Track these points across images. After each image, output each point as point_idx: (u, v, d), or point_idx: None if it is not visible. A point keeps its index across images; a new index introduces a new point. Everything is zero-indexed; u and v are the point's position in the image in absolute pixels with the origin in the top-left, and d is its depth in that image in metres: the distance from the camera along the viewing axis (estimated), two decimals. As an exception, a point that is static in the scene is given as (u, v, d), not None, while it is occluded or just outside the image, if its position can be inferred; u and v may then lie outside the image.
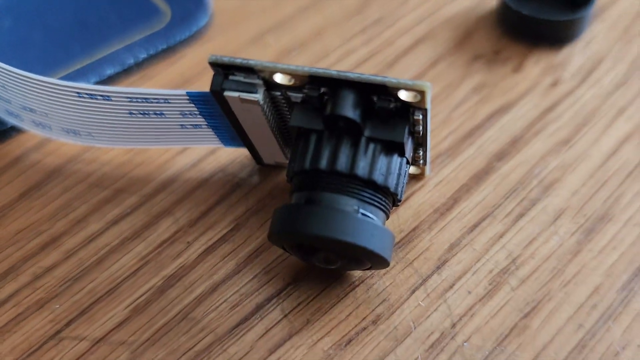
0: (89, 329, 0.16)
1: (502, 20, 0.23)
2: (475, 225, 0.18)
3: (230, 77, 0.15)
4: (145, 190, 0.19)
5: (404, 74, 0.22)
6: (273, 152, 0.18)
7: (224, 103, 0.16)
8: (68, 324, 0.17)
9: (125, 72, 0.22)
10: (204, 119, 0.17)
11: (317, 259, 0.16)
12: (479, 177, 0.19)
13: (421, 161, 0.18)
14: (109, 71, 0.22)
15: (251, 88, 0.15)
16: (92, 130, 0.19)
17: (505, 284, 0.17)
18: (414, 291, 0.17)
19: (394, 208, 0.18)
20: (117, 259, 0.18)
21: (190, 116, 0.17)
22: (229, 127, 0.18)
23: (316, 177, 0.15)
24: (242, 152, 0.20)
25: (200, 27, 0.24)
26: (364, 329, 0.16)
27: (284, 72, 0.15)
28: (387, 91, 0.14)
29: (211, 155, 0.20)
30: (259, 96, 0.15)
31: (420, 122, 0.15)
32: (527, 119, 0.20)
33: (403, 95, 0.14)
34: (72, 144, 0.20)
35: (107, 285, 0.17)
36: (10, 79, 0.18)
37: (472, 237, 0.18)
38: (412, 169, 0.19)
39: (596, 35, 0.23)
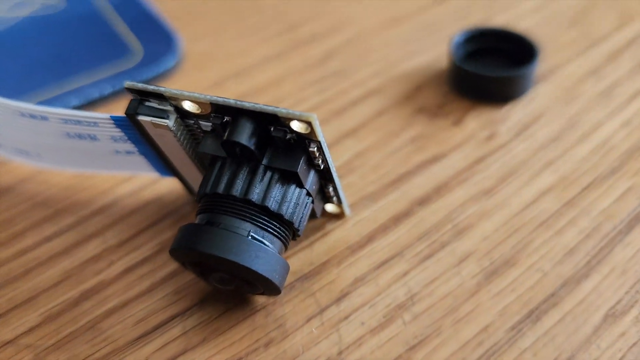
0: (1, 332, 0.17)
1: (450, 77, 0.24)
2: (383, 263, 0.18)
3: (146, 103, 0.17)
4: (83, 212, 0.21)
5: (348, 122, 0.23)
6: (199, 181, 0.19)
7: (140, 127, 0.17)
8: (-16, 326, 0.18)
9: (90, 105, 0.24)
10: (134, 145, 0.19)
11: (213, 278, 0.16)
12: (398, 219, 0.20)
13: (334, 198, 0.19)
14: (74, 102, 0.24)
15: (163, 114, 0.17)
16: (40, 150, 0.20)
17: (398, 318, 0.17)
18: (309, 319, 0.17)
19: (306, 242, 0.18)
20: (43, 272, 0.19)
21: (121, 141, 0.19)
22: (160, 158, 0.19)
23: (216, 201, 0.16)
24: (181, 184, 0.21)
25: (168, 68, 0.26)
26: (255, 350, 0.17)
27: (188, 99, 0.16)
28: (280, 121, 0.16)
29: (152, 185, 0.21)
30: (169, 122, 0.17)
31: (317, 154, 0.16)
32: (455, 168, 0.21)
33: (295, 125, 0.16)
34: (25, 167, 0.22)
35: (28, 293, 0.18)
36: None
37: (378, 274, 0.18)
38: (331, 208, 0.19)
39: (539, 94, 0.24)
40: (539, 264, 0.18)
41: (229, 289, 0.17)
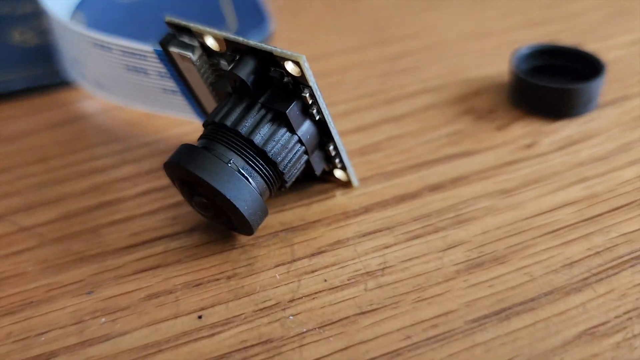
0: (25, 219, 0.20)
1: (509, 87, 0.24)
2: (370, 233, 0.18)
3: (179, 38, 0.18)
4: (132, 142, 0.23)
5: (394, 111, 0.23)
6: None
7: (171, 59, 0.19)
8: (15, 212, 0.20)
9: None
10: (175, 84, 0.21)
11: (195, 201, 0.17)
12: (403, 198, 0.19)
13: (337, 161, 0.19)
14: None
15: (189, 48, 0.18)
16: (111, 84, 0.23)
17: (362, 283, 0.17)
18: (278, 265, 0.17)
19: (307, 201, 0.19)
20: (78, 183, 0.21)
21: (166, 78, 0.21)
22: (191, 94, 0.21)
23: (214, 129, 0.17)
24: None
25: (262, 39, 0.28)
26: (217, 279, 0.17)
27: (208, 34, 0.17)
28: (277, 62, 0.16)
29: (197, 132, 0.23)
30: (193, 56, 0.18)
31: (309, 101, 0.17)
32: (482, 165, 0.20)
33: (289, 67, 0.16)
34: (104, 102, 0.25)
35: (59, 195, 0.21)
36: (64, 32, 0.23)
37: (361, 241, 0.18)
38: (340, 174, 0.20)
39: (601, 116, 0.22)
40: (531, 268, 0.17)
41: (210, 217, 0.18)
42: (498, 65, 0.25)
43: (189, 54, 0.18)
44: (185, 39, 0.18)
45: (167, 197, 0.20)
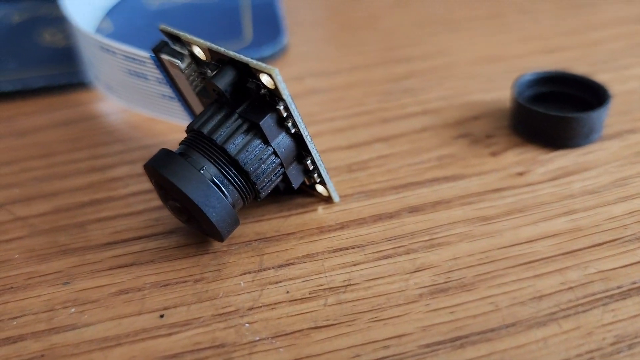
0: (21, 210, 0.21)
1: (510, 113, 0.23)
2: (340, 249, 0.18)
3: (172, 46, 0.19)
4: (132, 144, 0.24)
5: (389, 130, 0.23)
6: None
7: (163, 65, 0.19)
8: (13, 202, 0.21)
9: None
10: (171, 90, 0.21)
11: (170, 205, 0.18)
12: (380, 218, 0.19)
13: (315, 175, 0.19)
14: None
15: (179, 56, 0.19)
16: (119, 87, 0.24)
17: (322, 298, 0.17)
18: (245, 273, 0.18)
19: (285, 213, 0.19)
20: (75, 179, 0.22)
21: (163, 84, 0.22)
22: (184, 101, 0.21)
23: (192, 136, 0.18)
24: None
25: (262, 56, 0.28)
26: (184, 282, 0.18)
27: (194, 43, 0.18)
28: (253, 73, 0.17)
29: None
30: (181, 64, 0.19)
31: (284, 114, 0.17)
32: (466, 191, 0.20)
33: (264, 79, 0.17)
34: (114, 104, 0.26)
35: (55, 190, 0.22)
36: (78, 35, 0.24)
37: (330, 257, 0.18)
38: (321, 189, 0.20)
39: (601, 149, 0.21)
40: (497, 298, 0.16)
41: (184, 221, 0.18)
42: (503, 91, 0.25)
43: (177, 61, 0.19)
44: (177, 47, 0.19)
45: (153, 199, 0.21)
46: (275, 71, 0.16)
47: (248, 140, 0.17)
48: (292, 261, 0.18)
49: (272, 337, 0.16)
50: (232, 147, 0.17)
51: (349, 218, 0.19)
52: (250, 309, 0.17)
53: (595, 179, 0.20)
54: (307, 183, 0.20)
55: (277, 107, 0.17)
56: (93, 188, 0.22)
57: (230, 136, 0.17)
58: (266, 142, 0.17)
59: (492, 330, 0.16)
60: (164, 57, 0.19)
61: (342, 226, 0.19)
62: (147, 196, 0.21)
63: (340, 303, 0.17)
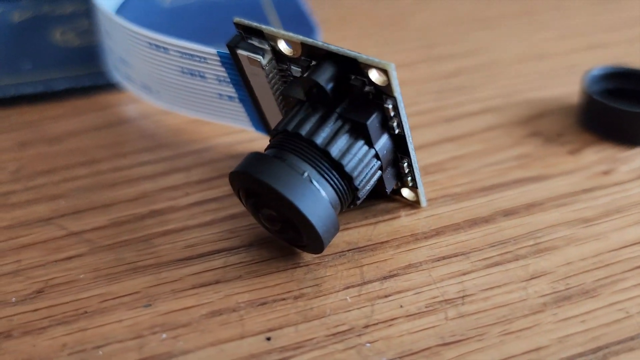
0: (73, 224, 0.19)
1: (579, 110, 0.22)
2: (443, 258, 0.17)
3: (248, 40, 0.17)
4: (180, 150, 0.22)
5: (455, 130, 0.22)
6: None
7: (238, 62, 0.18)
8: (62, 216, 0.19)
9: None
10: (234, 90, 0.20)
11: (262, 214, 0.16)
12: (475, 223, 0.18)
13: (409, 179, 0.18)
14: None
15: (259, 51, 0.17)
16: (160, 87, 0.22)
17: (441, 311, 0.15)
18: (348, 287, 0.16)
19: (372, 220, 0.18)
20: (126, 188, 0.20)
21: (224, 83, 0.20)
22: (252, 102, 0.20)
23: (284, 138, 0.16)
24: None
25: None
26: (283, 299, 0.16)
27: (283, 38, 0.16)
28: (360, 69, 0.15)
29: (247, 142, 0.22)
30: (263, 60, 0.17)
31: (392, 113, 0.16)
32: (556, 192, 0.19)
33: (373, 75, 0.15)
34: (149, 106, 0.24)
35: (107, 201, 0.20)
36: (115, 29, 0.22)
37: (434, 266, 0.17)
38: (407, 193, 0.19)
39: (679, 145, 0.21)
40: (625, 304, 0.15)
41: (274, 231, 0.16)
42: (559, 88, 0.24)
43: (259, 57, 0.17)
44: (255, 42, 0.17)
45: (221, 208, 0.19)
46: (392, 66, 0.15)
47: (351, 143, 0.16)
48: (395, 272, 0.17)
49: (400, 357, 0.14)
50: (335, 150, 0.16)
51: (442, 224, 0.18)
52: (366, 326, 0.15)
53: (680, 177, 0.20)
54: (395, 187, 0.18)
55: (385, 105, 0.16)
56: (148, 198, 0.20)
57: (333, 138, 0.16)
58: (369, 143, 0.16)
59: (632, 338, 0.15)
60: (242, 52, 0.17)
61: (437, 233, 0.18)
62: (213, 205, 0.19)
63: (462, 316, 0.15)
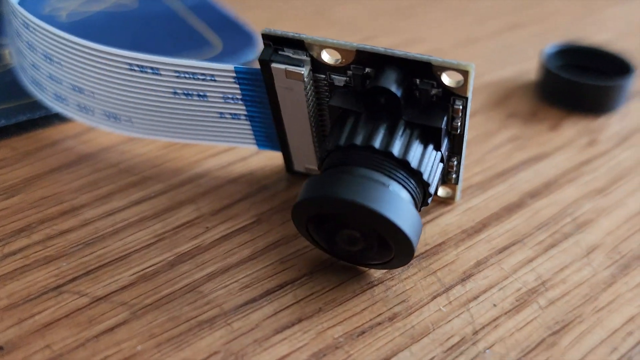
0: (92, 288, 0.16)
1: (541, 87, 0.24)
2: (504, 248, 0.17)
3: (280, 52, 0.16)
4: (172, 181, 0.19)
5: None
6: (305, 153, 0.18)
7: (269, 77, 0.16)
8: (72, 281, 0.16)
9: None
10: (244, 107, 0.18)
11: (340, 237, 0.15)
12: (510, 209, 0.19)
13: (454, 175, 0.18)
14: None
15: (298, 62, 0.16)
16: (133, 114, 0.19)
17: (533, 302, 0.16)
18: (435, 297, 0.16)
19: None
20: (133, 232, 0.17)
21: (231, 101, 0.18)
22: (267, 120, 0.18)
23: (351, 153, 0.15)
24: (272, 161, 0.20)
25: (248, 60, 0.25)
26: (379, 324, 0.15)
27: (332, 46, 0.15)
28: (430, 72, 0.15)
29: (241, 161, 0.20)
30: (304, 70, 0.16)
31: (460, 113, 0.15)
32: (561, 168, 0.20)
33: (446, 79, 0.15)
34: (109, 136, 0.20)
35: (118, 252, 0.17)
36: (70, 51, 0.19)
37: (500, 258, 0.17)
38: (442, 192, 0.18)
39: (632, 110, 0.23)
40: (672, 259, 0.17)
41: (354, 251, 0.15)
42: (510, 68, 0.26)
43: (300, 69, 0.16)
44: (288, 52, 0.16)
45: (255, 239, 0.17)
46: (472, 66, 0.14)
47: (423, 149, 0.15)
48: (469, 272, 0.16)
49: (524, 356, 0.14)
50: (414, 160, 0.15)
51: (483, 215, 0.18)
52: (475, 333, 0.15)
53: (646, 138, 0.22)
54: (434, 187, 0.18)
55: (455, 106, 0.15)
56: (165, 241, 0.17)
57: (407, 147, 0.15)
58: (438, 147, 0.16)
59: (692, 291, 0.16)
60: (278, 66, 0.16)
61: (484, 225, 0.18)
62: (245, 237, 0.17)
63: (553, 302, 0.16)
